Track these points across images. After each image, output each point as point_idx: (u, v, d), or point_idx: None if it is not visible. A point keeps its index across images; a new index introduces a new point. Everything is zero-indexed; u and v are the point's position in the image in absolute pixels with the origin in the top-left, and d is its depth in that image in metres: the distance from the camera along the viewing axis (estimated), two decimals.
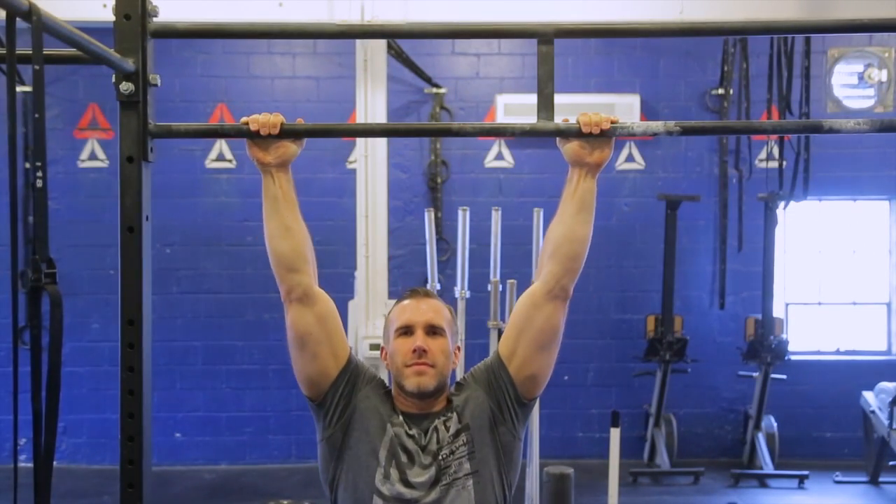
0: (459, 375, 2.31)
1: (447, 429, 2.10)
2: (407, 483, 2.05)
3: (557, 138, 2.02)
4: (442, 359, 2.11)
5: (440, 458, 2.07)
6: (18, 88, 5.69)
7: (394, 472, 2.06)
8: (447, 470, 2.06)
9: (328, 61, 6.57)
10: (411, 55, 6.34)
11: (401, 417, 2.12)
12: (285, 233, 2.04)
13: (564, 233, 2.05)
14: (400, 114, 6.47)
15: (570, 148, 1.99)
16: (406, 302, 2.18)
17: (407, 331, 2.12)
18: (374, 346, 5.19)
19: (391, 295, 5.54)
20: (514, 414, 2.13)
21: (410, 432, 2.09)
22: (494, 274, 4.02)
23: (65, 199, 6.39)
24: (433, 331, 2.12)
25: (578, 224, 2.03)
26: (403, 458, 2.07)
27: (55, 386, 1.55)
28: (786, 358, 6.20)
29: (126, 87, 1.86)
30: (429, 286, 4.03)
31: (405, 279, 6.23)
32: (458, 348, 2.26)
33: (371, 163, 5.54)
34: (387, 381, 2.20)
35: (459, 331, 2.20)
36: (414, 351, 2.09)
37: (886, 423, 5.64)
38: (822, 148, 6.36)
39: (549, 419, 6.20)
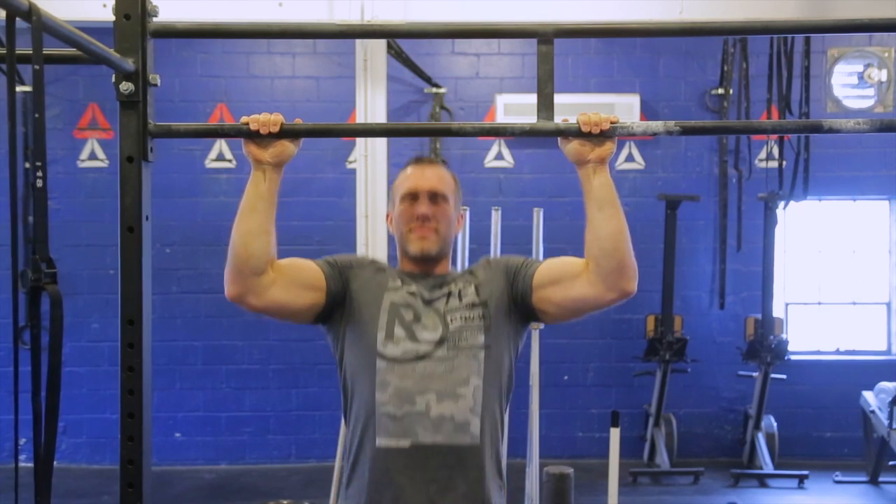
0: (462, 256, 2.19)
1: (460, 298, 2.11)
2: (414, 338, 2.05)
3: (559, 140, 2.01)
4: (445, 224, 2.16)
5: (448, 320, 2.07)
6: (18, 88, 5.70)
7: (399, 332, 2.06)
8: (458, 335, 2.06)
9: (328, 61, 6.57)
10: (411, 55, 6.34)
11: (399, 281, 2.13)
12: (263, 234, 1.99)
13: (590, 234, 2.01)
14: (400, 114, 6.47)
15: (571, 148, 1.97)
16: (410, 169, 2.21)
17: (411, 197, 2.16)
18: None
19: None
20: (521, 320, 2.14)
21: (412, 290, 2.10)
22: None
23: (65, 199, 6.39)
24: (436, 197, 2.16)
25: (602, 221, 1.98)
26: (408, 317, 2.07)
27: (55, 386, 1.55)
28: (786, 358, 6.20)
29: (126, 86, 1.86)
30: None
31: None
32: (461, 215, 2.29)
33: (371, 163, 5.54)
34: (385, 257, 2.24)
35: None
36: (417, 217, 2.13)
37: (886, 422, 5.64)
38: (822, 148, 6.36)
39: (549, 419, 6.20)
